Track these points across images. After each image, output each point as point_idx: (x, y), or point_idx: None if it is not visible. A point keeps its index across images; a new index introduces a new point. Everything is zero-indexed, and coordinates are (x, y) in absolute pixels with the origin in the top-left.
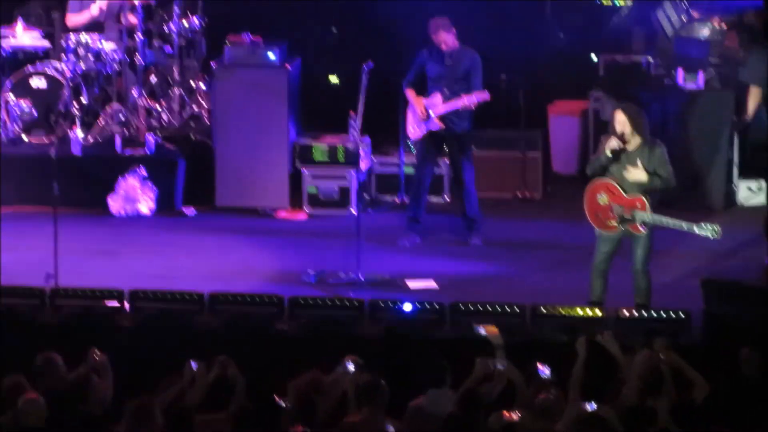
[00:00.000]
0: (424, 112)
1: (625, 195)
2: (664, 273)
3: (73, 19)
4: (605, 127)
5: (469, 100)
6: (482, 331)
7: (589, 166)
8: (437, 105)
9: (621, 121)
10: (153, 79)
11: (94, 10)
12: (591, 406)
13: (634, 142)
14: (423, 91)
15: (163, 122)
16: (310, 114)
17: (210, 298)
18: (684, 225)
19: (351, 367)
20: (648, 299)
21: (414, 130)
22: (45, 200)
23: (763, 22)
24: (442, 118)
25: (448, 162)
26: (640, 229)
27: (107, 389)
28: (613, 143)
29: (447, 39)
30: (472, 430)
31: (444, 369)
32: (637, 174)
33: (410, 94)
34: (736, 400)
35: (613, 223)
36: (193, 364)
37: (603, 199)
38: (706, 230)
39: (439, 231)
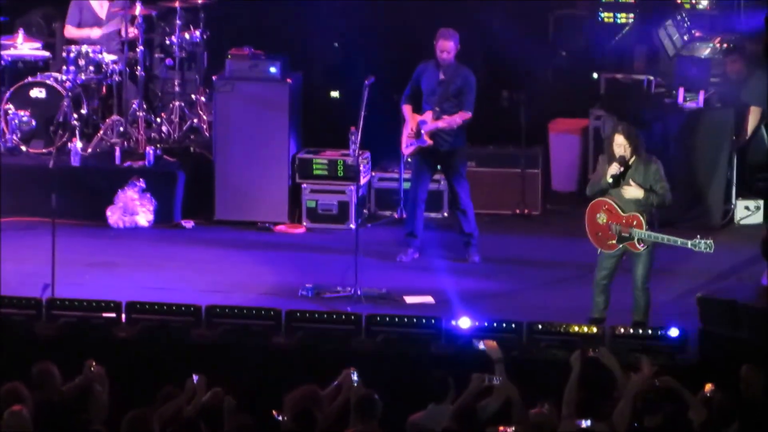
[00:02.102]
0: (414, 129)
1: (622, 213)
2: (661, 291)
3: (72, 31)
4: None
5: (450, 121)
6: (481, 345)
7: (589, 188)
8: (427, 121)
9: (621, 143)
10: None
11: (94, 34)
12: (585, 423)
13: (630, 160)
14: (418, 108)
15: (163, 135)
16: (310, 128)
17: (207, 311)
18: (679, 241)
19: (355, 377)
20: (646, 317)
21: (406, 146)
22: (43, 211)
23: (764, 44)
24: (432, 135)
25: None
26: (638, 246)
27: (104, 401)
28: (614, 169)
29: (451, 50)
30: None
31: (447, 385)
32: (633, 191)
33: (406, 110)
34: (734, 419)
35: (613, 242)
36: (195, 378)
37: (602, 218)
38: (700, 245)
39: (438, 247)
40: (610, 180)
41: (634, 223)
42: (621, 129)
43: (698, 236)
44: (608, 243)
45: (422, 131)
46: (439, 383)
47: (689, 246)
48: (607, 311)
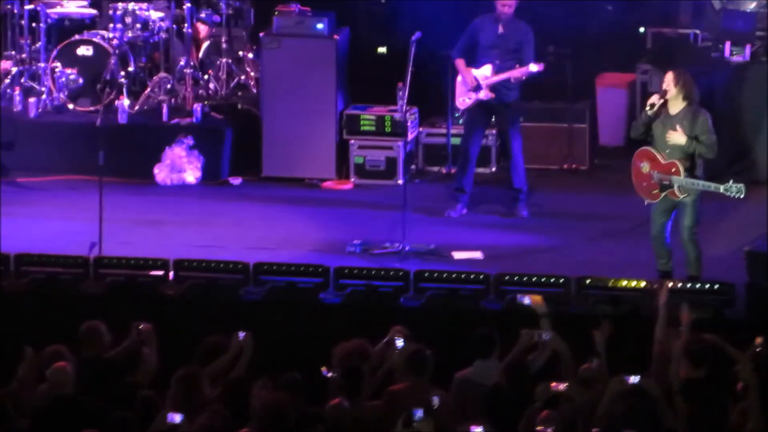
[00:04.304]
0: (474, 82)
1: (663, 161)
2: (709, 246)
3: None
4: None
5: (521, 72)
6: (527, 300)
7: (632, 130)
8: (487, 75)
9: (669, 80)
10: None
11: None
12: (634, 380)
13: (679, 105)
14: (471, 62)
15: (210, 91)
16: (357, 84)
17: (255, 268)
18: (712, 186)
19: (400, 342)
20: (699, 270)
21: (463, 100)
22: (91, 169)
23: None
24: (492, 88)
25: (495, 133)
26: (677, 193)
27: (153, 359)
28: (654, 99)
29: (512, 4)
30: (517, 400)
31: (492, 340)
32: (676, 137)
33: (460, 63)
34: None
35: (656, 191)
36: (241, 335)
37: (645, 167)
38: (731, 189)
39: (486, 202)
40: (649, 109)
41: (673, 170)
42: (677, 69)
43: (731, 180)
44: (652, 192)
45: (483, 84)
46: (485, 339)
47: (721, 191)
48: (671, 263)
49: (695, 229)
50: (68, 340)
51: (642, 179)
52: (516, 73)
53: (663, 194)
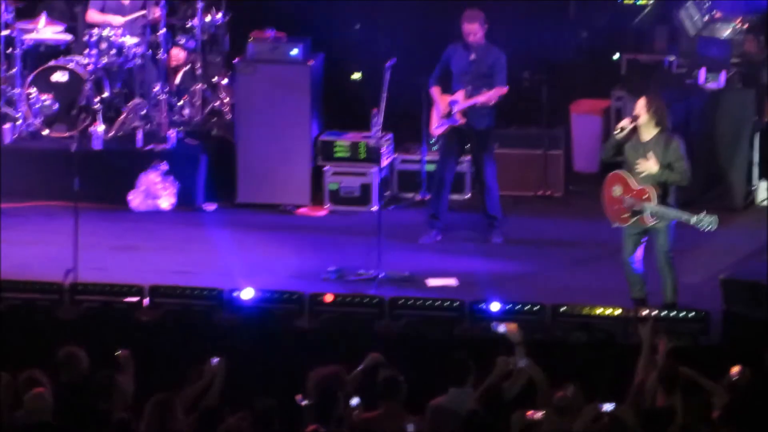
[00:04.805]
0: (447, 108)
1: (635, 186)
2: (684, 273)
3: (94, 16)
4: None
5: (488, 96)
6: (501, 328)
7: (601, 151)
8: (459, 101)
9: (641, 105)
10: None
11: (116, 21)
12: (608, 407)
13: (651, 131)
14: (446, 89)
15: (185, 117)
16: (332, 110)
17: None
18: (684, 216)
19: (355, 400)
20: (675, 296)
21: (437, 126)
22: (65, 195)
23: None
24: (464, 114)
25: (470, 159)
26: (647, 220)
27: (129, 385)
28: (624, 122)
29: (477, 31)
30: (492, 428)
31: (467, 368)
32: (647, 165)
33: (435, 91)
34: (759, 401)
35: (626, 215)
36: (213, 361)
37: (617, 191)
38: (703, 222)
39: (460, 228)
40: (618, 131)
41: (645, 196)
42: (648, 95)
43: (704, 212)
44: (621, 216)
45: (454, 110)
46: (460, 366)
47: (692, 222)
48: (644, 290)
49: (671, 253)
50: (44, 366)
51: (613, 203)
52: (482, 98)
53: (633, 219)
